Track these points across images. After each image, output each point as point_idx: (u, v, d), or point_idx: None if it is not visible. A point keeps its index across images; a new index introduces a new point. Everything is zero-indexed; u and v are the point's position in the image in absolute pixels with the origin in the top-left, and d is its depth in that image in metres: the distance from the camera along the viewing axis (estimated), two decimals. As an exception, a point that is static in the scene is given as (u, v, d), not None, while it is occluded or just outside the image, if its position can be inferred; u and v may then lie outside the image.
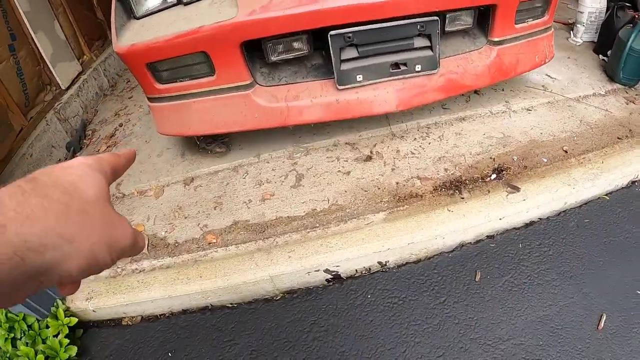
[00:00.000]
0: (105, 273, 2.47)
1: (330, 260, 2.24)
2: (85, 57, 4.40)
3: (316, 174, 2.72)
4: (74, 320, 2.16)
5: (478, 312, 2.05)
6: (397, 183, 2.54)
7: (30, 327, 2.12)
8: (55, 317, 2.18)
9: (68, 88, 3.93)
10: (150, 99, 2.74)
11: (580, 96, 2.94)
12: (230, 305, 2.31)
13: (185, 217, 2.62)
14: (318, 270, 2.27)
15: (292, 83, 2.61)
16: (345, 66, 2.46)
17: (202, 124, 2.66)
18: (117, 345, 2.25)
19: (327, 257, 2.24)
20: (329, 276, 2.32)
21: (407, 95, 2.56)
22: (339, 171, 2.70)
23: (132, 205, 2.81)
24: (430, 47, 2.45)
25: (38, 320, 2.14)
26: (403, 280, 2.26)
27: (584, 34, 3.48)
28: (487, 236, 2.36)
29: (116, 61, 4.76)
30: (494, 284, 2.15)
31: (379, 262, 2.33)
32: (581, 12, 3.37)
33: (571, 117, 2.77)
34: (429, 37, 2.43)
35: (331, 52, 2.40)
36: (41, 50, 3.67)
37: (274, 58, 2.57)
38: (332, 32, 2.32)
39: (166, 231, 2.57)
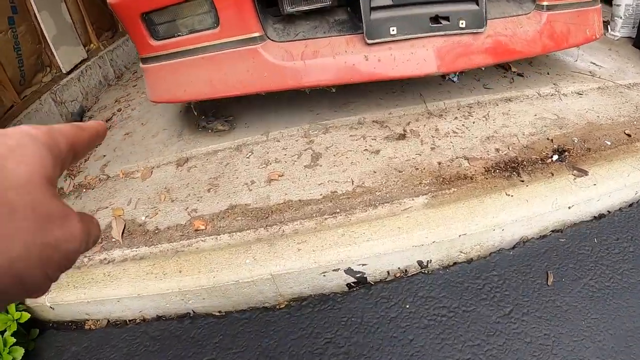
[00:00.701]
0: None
1: (354, 255, 1.64)
2: (92, 45, 4.09)
3: (337, 153, 2.17)
4: (26, 315, 1.77)
5: (555, 327, 1.51)
6: (439, 163, 2.04)
7: None
8: (5, 310, 1.75)
9: (69, 72, 3.59)
10: (144, 60, 2.31)
11: (630, 83, 2.66)
12: (217, 314, 1.74)
13: (172, 201, 2.09)
14: (337, 270, 1.67)
15: (311, 38, 2.13)
16: (376, 15, 2.02)
17: (200, 86, 2.17)
18: (72, 352, 1.73)
19: (350, 251, 1.65)
20: (352, 279, 1.71)
21: (450, 55, 2.11)
22: (366, 150, 2.17)
23: (114, 187, 2.32)
24: (476, 1, 2.05)
25: None
26: (453, 286, 1.66)
27: (621, 28, 3.32)
28: (553, 230, 1.86)
29: (125, 53, 4.47)
30: (571, 289, 1.63)
31: (419, 262, 1.72)
32: (618, 5, 3.25)
33: (626, 103, 2.45)
34: None
35: None
36: (44, 30, 3.37)
37: (290, 9, 2.12)
38: (362, -28, 1.89)
39: (147, 216, 2.04)
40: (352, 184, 1.97)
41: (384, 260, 1.69)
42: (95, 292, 1.77)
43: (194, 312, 1.78)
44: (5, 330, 1.70)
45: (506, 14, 2.26)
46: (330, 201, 1.89)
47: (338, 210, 1.84)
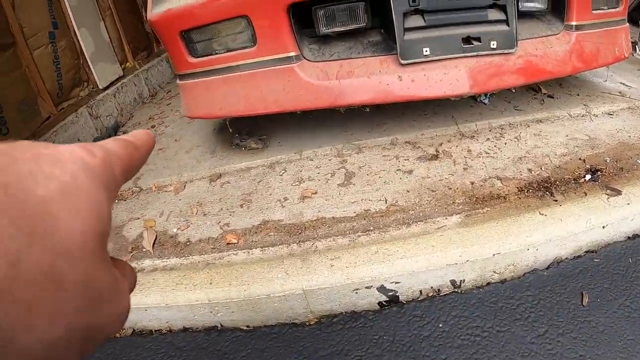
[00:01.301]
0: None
1: (388, 273, 1.63)
2: (128, 63, 4.22)
3: (370, 172, 2.17)
4: None
5: (590, 348, 1.45)
6: (472, 183, 2.03)
7: None
8: None
9: (106, 88, 3.70)
10: (181, 77, 2.37)
11: (660, 104, 2.62)
12: (245, 328, 1.73)
13: (205, 214, 2.10)
14: (370, 287, 1.65)
15: (346, 58, 2.16)
16: (409, 36, 2.05)
17: (235, 103, 2.21)
18: (95, 359, 1.71)
19: (384, 268, 1.63)
20: (384, 297, 1.69)
21: (482, 76, 2.12)
22: (399, 170, 2.17)
23: (147, 200, 2.34)
24: (506, 22, 2.07)
25: None
26: (487, 306, 1.62)
27: (649, 50, 3.29)
28: (587, 250, 1.81)
29: (159, 73, 4.60)
30: (607, 310, 1.57)
31: (452, 282, 1.70)
32: (644, 28, 3.18)
33: (657, 123, 2.41)
34: (503, 9, 2.05)
35: (393, 17, 1.99)
36: (82, 46, 3.49)
37: (325, 30, 2.17)
38: (395, -7, 1.93)
39: (179, 228, 2.05)
40: (386, 202, 1.96)
41: (417, 278, 1.67)
42: None
43: (221, 325, 1.77)
44: None
45: (536, 34, 2.27)
46: (364, 219, 1.88)
47: (371, 228, 1.83)
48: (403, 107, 2.71)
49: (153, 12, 2.17)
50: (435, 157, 2.26)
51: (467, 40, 2.07)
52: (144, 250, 2.01)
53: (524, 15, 2.31)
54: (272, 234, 1.89)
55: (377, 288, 1.67)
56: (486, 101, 2.74)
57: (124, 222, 2.26)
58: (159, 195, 2.38)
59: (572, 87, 2.83)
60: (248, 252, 1.84)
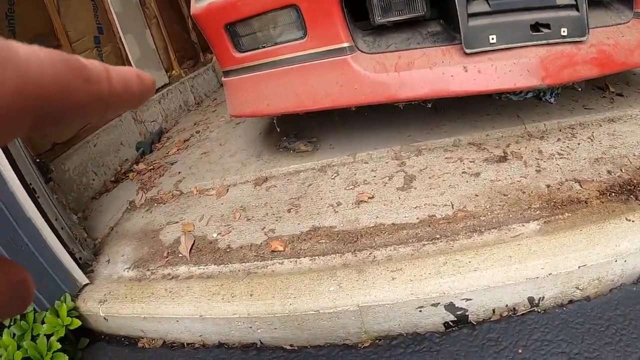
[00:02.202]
0: (130, 274, 1.80)
1: (459, 287, 1.38)
2: (174, 71, 4.19)
3: (432, 175, 1.94)
4: (77, 322, 1.69)
5: None
6: (547, 186, 1.78)
7: (24, 316, 1.70)
8: (56, 314, 1.68)
9: None
10: (226, 73, 2.24)
11: None
12: (288, 347, 1.52)
13: (248, 220, 1.92)
14: (437, 305, 1.40)
15: (405, 49, 1.96)
16: (474, 22, 1.85)
17: (284, 99, 2.04)
18: None
19: (454, 282, 1.38)
20: (452, 317, 1.43)
21: (554, 66, 1.88)
22: (464, 172, 1.93)
23: (187, 203, 2.20)
24: (576, 6, 1.85)
25: (35, 311, 1.72)
26: (572, 327, 1.36)
27: None
28: None
29: (205, 82, 4.56)
30: None
31: (530, 299, 1.44)
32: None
33: None
34: None
35: (456, 2, 1.80)
36: (128, 52, 3.47)
37: (380, 19, 2.00)
38: (457, -26, 1.76)
39: (219, 233, 1.87)
40: (452, 207, 1.71)
41: (491, 295, 1.41)
42: (154, 308, 1.61)
43: (261, 342, 1.56)
44: (52, 334, 1.61)
45: (605, 23, 2.05)
46: (429, 226, 1.64)
47: (438, 236, 1.59)
48: (462, 107, 2.49)
49: (196, 6, 2.06)
50: (503, 158, 2.02)
51: (536, 27, 1.87)
52: (180, 255, 1.84)
53: (590, 2, 2.07)
54: (323, 241, 1.67)
55: (444, 306, 1.42)
56: (552, 100, 2.49)
57: (162, 225, 2.10)
58: (199, 199, 2.23)
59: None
60: (295, 261, 1.62)
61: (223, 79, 2.27)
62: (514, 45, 1.88)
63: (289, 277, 1.54)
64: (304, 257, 1.63)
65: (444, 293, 1.39)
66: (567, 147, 2.06)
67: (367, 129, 2.44)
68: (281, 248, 1.69)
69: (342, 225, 1.75)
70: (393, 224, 1.69)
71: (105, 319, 1.70)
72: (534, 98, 2.51)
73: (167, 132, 3.55)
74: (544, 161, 1.96)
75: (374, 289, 1.42)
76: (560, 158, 1.97)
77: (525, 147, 2.08)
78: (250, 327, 1.51)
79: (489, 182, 1.85)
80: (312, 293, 1.45)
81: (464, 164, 2.01)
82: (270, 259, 1.66)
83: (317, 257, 1.61)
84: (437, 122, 2.39)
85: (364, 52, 1.96)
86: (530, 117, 2.31)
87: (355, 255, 1.58)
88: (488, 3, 1.84)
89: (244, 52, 2.10)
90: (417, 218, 1.70)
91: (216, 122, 3.41)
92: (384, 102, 1.92)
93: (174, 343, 1.65)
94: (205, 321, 1.53)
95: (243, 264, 1.68)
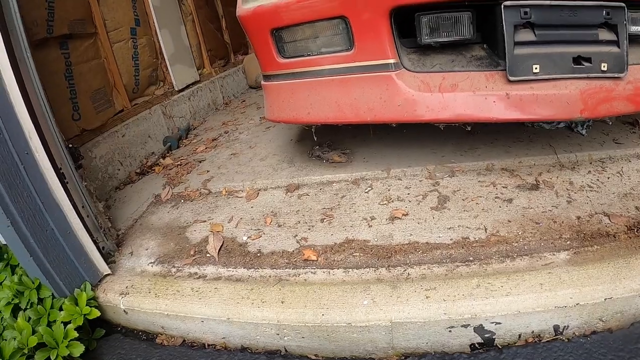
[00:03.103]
0: (155, 269, 1.80)
1: (490, 310, 1.40)
2: (205, 70, 4.22)
3: (466, 197, 1.95)
4: (96, 313, 1.67)
5: None
6: (578, 218, 1.81)
7: (41, 301, 1.68)
8: (75, 302, 1.67)
9: (181, 90, 3.68)
10: (267, 77, 2.23)
11: None
12: (313, 357, 1.52)
13: (279, 226, 1.92)
14: (467, 326, 1.40)
15: (449, 71, 1.96)
16: (519, 50, 1.86)
17: (326, 110, 2.04)
18: None
19: (486, 305, 1.40)
20: (479, 339, 1.43)
21: (592, 100, 1.90)
22: (497, 197, 1.94)
23: (215, 203, 2.20)
24: (617, 43, 1.86)
25: (53, 297, 1.70)
26: (595, 358, 1.37)
27: None
28: None
29: (235, 83, 4.58)
30: None
31: (555, 327, 1.45)
32: None
33: None
34: (614, 29, 1.86)
35: (504, 29, 1.82)
36: (162, 46, 3.51)
37: (427, 39, 2.00)
38: (507, 3, 1.78)
39: (249, 237, 1.87)
40: (485, 231, 1.72)
41: (520, 320, 1.42)
42: (179, 305, 1.61)
43: (286, 349, 1.55)
44: (69, 322, 1.60)
45: None
46: (462, 247, 1.64)
47: (471, 259, 1.60)
48: (496, 131, 2.50)
49: (243, 8, 2.07)
50: (535, 187, 2.04)
51: (578, 60, 1.88)
52: (208, 255, 1.84)
53: (630, 39, 2.06)
54: (357, 254, 1.67)
55: (474, 327, 1.43)
56: (584, 132, 2.48)
57: (189, 223, 2.11)
58: (228, 200, 2.23)
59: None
60: (328, 272, 1.62)
61: (263, 82, 2.27)
62: (556, 76, 1.88)
63: (322, 288, 1.54)
64: (337, 268, 1.63)
65: (476, 315, 1.40)
66: (597, 180, 2.07)
67: (400, 146, 2.44)
68: (314, 258, 1.68)
69: (376, 240, 1.75)
70: (427, 242, 1.69)
71: (125, 311, 1.70)
72: (565, 128, 2.50)
73: (194, 130, 3.57)
74: (575, 192, 1.98)
75: (407, 305, 1.41)
76: (591, 191, 1.99)
77: (557, 177, 2.10)
78: (278, 334, 1.50)
79: (521, 208, 1.86)
80: (346, 305, 1.45)
81: (496, 188, 2.02)
82: (302, 268, 1.66)
83: (350, 270, 1.61)
84: (470, 144, 2.40)
85: (409, 70, 1.96)
86: (562, 147, 2.33)
87: (389, 271, 1.57)
88: (534, 33, 1.85)
89: (288, 58, 2.10)
90: (451, 239, 1.70)
91: (245, 124, 3.42)
92: (425, 121, 1.92)
93: (194, 343, 1.64)
94: (232, 324, 1.53)
95: (274, 270, 1.68)
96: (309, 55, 2.06)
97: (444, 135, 2.45)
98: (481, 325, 1.42)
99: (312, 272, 1.63)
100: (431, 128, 2.54)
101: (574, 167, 2.19)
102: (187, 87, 3.79)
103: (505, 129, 2.50)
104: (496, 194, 1.98)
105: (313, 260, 1.68)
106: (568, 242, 1.68)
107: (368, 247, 1.71)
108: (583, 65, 1.87)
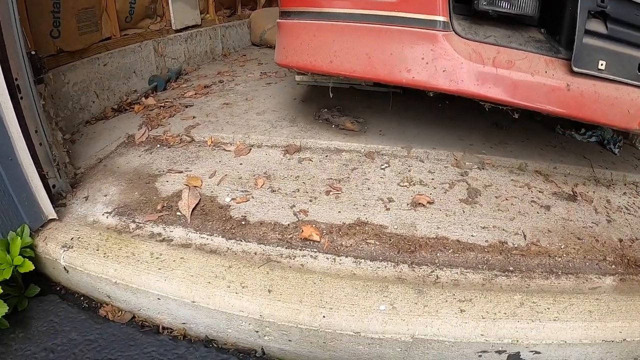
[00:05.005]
0: (109, 220, 1.42)
1: (534, 337, 1.12)
2: (208, 15, 3.86)
3: (499, 195, 1.68)
4: (29, 265, 1.30)
5: None
6: (620, 240, 1.62)
7: None
8: (6, 248, 1.30)
9: (179, 31, 3.31)
10: (286, 14, 1.88)
11: None
12: None
13: (273, 191, 1.57)
14: (502, 352, 1.11)
15: (505, 46, 1.68)
16: (588, 40, 1.66)
17: (353, 61, 1.71)
18: (69, 340, 1.21)
19: (531, 329, 1.12)
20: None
21: None
22: (534, 201, 1.70)
23: (197, 154, 1.84)
24: None
25: None
26: None
27: None
28: None
29: (237, 36, 4.30)
30: None
31: None
32: None
33: None
34: None
35: (577, 12, 1.60)
36: None
37: (485, 5, 1.70)
38: (583, -16, 1.59)
39: (234, 199, 1.52)
40: (525, 238, 1.45)
41: (562, 351, 1.16)
42: (131, 273, 1.25)
43: (264, 351, 1.20)
44: None
45: None
46: (500, 253, 1.35)
47: (511, 269, 1.31)
48: (527, 131, 2.28)
49: None
50: (573, 197, 1.83)
51: None
52: (178, 214, 1.47)
53: None
54: (371, 241, 1.33)
55: (510, 354, 1.14)
56: (616, 151, 2.34)
57: (162, 172, 1.74)
58: (213, 152, 1.87)
59: None
60: (334, 259, 1.28)
61: (279, 20, 1.92)
62: (619, 79, 1.71)
63: (324, 279, 1.19)
64: (346, 256, 1.29)
65: (517, 340, 1.12)
66: (634, 203, 1.94)
67: (422, 125, 2.15)
68: (316, 237, 1.33)
69: (395, 227, 1.41)
70: (458, 240, 1.38)
71: (65, 269, 1.32)
72: (596, 143, 2.37)
73: (185, 75, 3.21)
74: (613, 212, 1.81)
75: (437, 318, 1.09)
76: (628, 214, 1.83)
77: (594, 192, 1.92)
78: (257, 332, 1.15)
79: (561, 219, 1.63)
80: (356, 308, 1.11)
81: (532, 192, 1.78)
82: (300, 248, 1.31)
83: (363, 261, 1.27)
84: (500, 138, 2.14)
85: (459, 35, 1.65)
86: (597, 162, 2.16)
87: (413, 270, 1.24)
88: (606, 25, 1.66)
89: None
90: (486, 241, 1.41)
91: (243, 76, 3.08)
92: (472, 96, 1.62)
93: (146, 322, 1.27)
94: (198, 309, 1.17)
95: (262, 245, 1.32)
96: (345, -6, 1.70)
97: (470, 123, 2.21)
98: (518, 353, 1.14)
99: (312, 256, 1.28)
100: (456, 111, 2.24)
101: (609, 185, 2.01)
102: (186, 28, 3.41)
103: (537, 130, 2.31)
104: (532, 197, 1.73)
105: (315, 241, 1.33)
106: (613, 267, 1.48)
107: (385, 235, 1.37)
108: (646, 74, 1.70)
